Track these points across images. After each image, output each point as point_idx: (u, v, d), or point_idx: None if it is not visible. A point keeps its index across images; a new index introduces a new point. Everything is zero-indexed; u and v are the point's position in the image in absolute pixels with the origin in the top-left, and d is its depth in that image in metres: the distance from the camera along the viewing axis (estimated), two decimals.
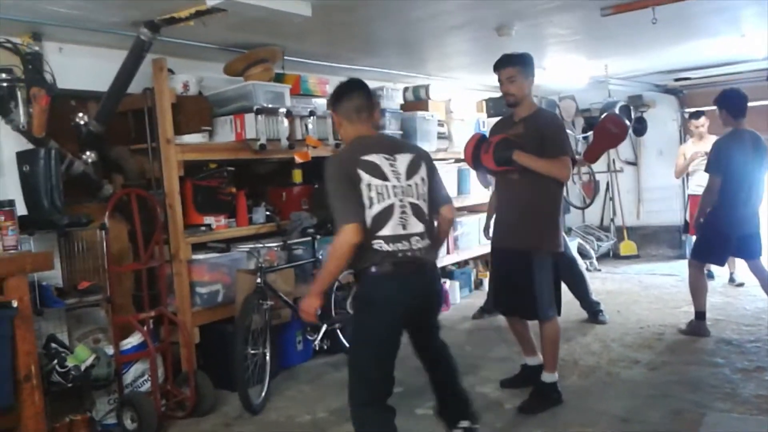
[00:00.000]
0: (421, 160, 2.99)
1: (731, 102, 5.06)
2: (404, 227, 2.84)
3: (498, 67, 3.86)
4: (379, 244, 2.79)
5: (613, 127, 5.16)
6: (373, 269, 2.80)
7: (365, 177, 2.80)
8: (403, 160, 2.91)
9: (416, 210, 2.89)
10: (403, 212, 2.84)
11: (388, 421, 2.87)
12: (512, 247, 3.90)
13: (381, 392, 2.86)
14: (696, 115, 7.19)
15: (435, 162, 3.13)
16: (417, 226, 2.88)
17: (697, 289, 5.26)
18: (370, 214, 2.79)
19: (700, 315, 5.24)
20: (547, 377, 3.97)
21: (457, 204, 6.87)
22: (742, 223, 4.96)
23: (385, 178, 2.83)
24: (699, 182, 7.05)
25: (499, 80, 3.85)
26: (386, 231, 2.81)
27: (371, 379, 2.85)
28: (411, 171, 2.92)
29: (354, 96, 3.03)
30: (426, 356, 3.17)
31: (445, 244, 6.86)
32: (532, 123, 3.81)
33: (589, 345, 5.11)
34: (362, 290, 2.93)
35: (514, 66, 3.81)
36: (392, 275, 2.80)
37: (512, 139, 3.77)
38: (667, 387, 4.13)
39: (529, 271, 3.79)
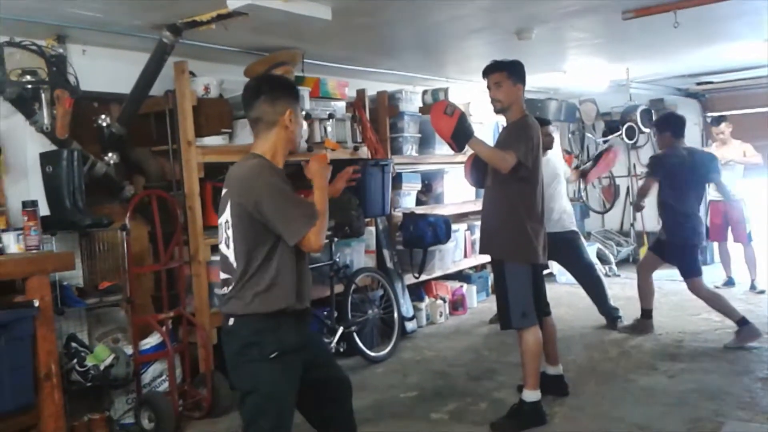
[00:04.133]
0: (230, 196, 2.48)
1: (676, 124, 5.31)
2: (224, 271, 2.55)
3: (486, 72, 3.80)
4: None
5: (615, 156, 5.55)
6: None
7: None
8: (224, 196, 2.53)
9: (222, 255, 2.55)
10: (222, 255, 2.56)
11: None
12: (490, 255, 3.95)
13: None
14: (716, 122, 7.17)
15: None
16: (224, 273, 2.54)
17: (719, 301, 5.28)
18: None
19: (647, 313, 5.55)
20: (526, 395, 3.76)
21: (474, 208, 6.99)
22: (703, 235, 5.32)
23: (219, 214, 2.58)
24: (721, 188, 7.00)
25: (487, 86, 3.79)
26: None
27: None
28: (222, 210, 2.53)
29: (245, 106, 2.60)
30: None
31: (462, 248, 6.87)
32: (509, 129, 3.80)
33: (608, 351, 5.07)
34: None
35: (501, 71, 3.73)
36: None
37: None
38: (685, 395, 4.09)
39: (502, 280, 3.75)
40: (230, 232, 2.47)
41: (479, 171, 3.95)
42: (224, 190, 2.52)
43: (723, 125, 7.03)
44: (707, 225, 7.23)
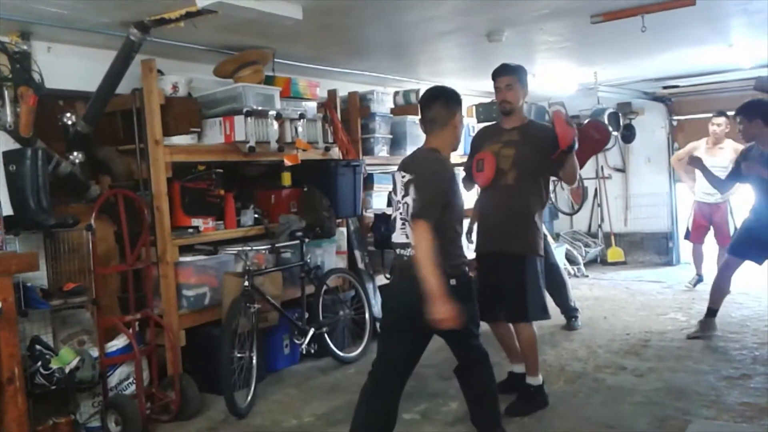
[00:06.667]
0: (411, 183, 3.06)
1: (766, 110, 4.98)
2: (406, 236, 3.10)
3: (497, 75, 3.96)
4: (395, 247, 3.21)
5: (595, 132, 5.22)
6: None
7: (392, 191, 3.26)
8: (405, 179, 3.10)
9: (407, 225, 3.07)
10: (403, 224, 3.11)
11: (364, 401, 3.18)
12: (504, 252, 3.93)
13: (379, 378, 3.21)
14: (718, 113, 6.91)
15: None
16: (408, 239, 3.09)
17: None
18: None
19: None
20: (532, 380, 4.00)
21: None
22: None
23: (395, 192, 3.19)
24: (707, 189, 6.72)
25: (497, 88, 3.95)
26: (394, 238, 3.18)
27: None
28: (405, 191, 3.09)
29: (424, 107, 3.18)
30: (458, 362, 3.38)
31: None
32: (530, 131, 3.94)
33: (576, 351, 5.12)
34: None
35: (512, 75, 3.92)
36: (397, 280, 3.29)
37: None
38: (652, 394, 4.15)
39: (521, 275, 3.87)
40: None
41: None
42: (408, 177, 3.08)
43: (723, 118, 6.81)
44: (689, 227, 7.17)
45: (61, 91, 4.17)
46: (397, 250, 3.18)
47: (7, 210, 3.62)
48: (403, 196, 3.10)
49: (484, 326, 3.58)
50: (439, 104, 3.11)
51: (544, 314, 4.01)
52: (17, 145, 3.77)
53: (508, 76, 3.92)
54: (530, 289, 3.88)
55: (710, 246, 7.20)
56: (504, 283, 3.94)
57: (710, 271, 6.94)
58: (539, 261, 3.96)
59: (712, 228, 7.06)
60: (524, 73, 4.00)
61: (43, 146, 3.81)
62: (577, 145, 3.74)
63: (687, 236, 7.31)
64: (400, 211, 3.13)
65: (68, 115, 4.04)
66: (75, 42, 4.26)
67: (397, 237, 3.17)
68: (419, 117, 3.22)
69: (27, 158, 3.64)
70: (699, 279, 7.17)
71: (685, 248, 8.69)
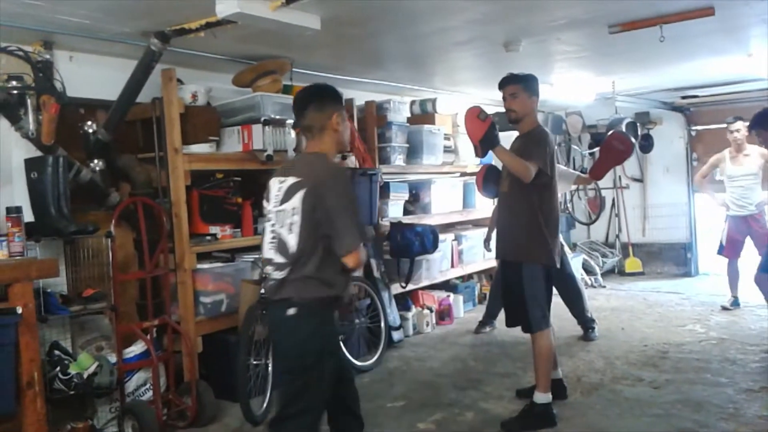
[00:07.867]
0: (303, 187, 2.69)
1: None
2: (274, 251, 2.76)
3: (502, 84, 3.97)
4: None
5: (619, 144, 5.16)
6: None
7: (265, 200, 2.89)
8: (286, 183, 2.75)
9: (278, 238, 2.74)
10: (273, 237, 2.76)
11: None
12: (506, 259, 4.02)
13: None
14: (734, 119, 6.60)
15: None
16: (276, 255, 2.74)
17: None
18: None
19: None
20: (537, 397, 3.88)
21: (461, 218, 7.04)
22: None
23: (268, 200, 2.84)
24: (739, 201, 6.53)
25: (503, 97, 3.97)
26: (262, 253, 2.83)
27: None
28: (286, 196, 2.73)
29: (299, 113, 2.88)
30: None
31: (449, 258, 6.86)
32: (525, 138, 3.92)
33: (593, 362, 5.09)
34: None
35: (516, 84, 3.91)
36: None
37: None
38: (670, 406, 4.11)
39: (519, 283, 3.86)
40: (297, 219, 2.67)
41: (492, 182, 4.13)
42: (294, 180, 2.71)
43: (739, 123, 6.48)
44: (722, 241, 6.71)
45: (82, 100, 4.22)
46: (267, 269, 2.79)
47: (29, 217, 3.67)
48: (283, 202, 2.72)
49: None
50: (312, 109, 2.80)
51: (543, 322, 3.87)
52: (39, 153, 3.82)
53: (512, 85, 3.92)
54: (529, 297, 3.83)
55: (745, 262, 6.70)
56: (511, 291, 4.00)
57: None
58: (540, 268, 3.84)
59: (750, 240, 6.53)
60: (531, 81, 3.95)
61: (64, 154, 3.86)
62: (499, 140, 3.68)
63: (720, 251, 6.80)
64: (272, 222, 2.76)
65: (89, 123, 4.09)
66: (96, 51, 4.31)
67: (266, 252, 2.78)
68: (293, 124, 2.91)
69: (48, 166, 3.69)
70: (735, 301, 6.64)
71: (704, 259, 8.63)
